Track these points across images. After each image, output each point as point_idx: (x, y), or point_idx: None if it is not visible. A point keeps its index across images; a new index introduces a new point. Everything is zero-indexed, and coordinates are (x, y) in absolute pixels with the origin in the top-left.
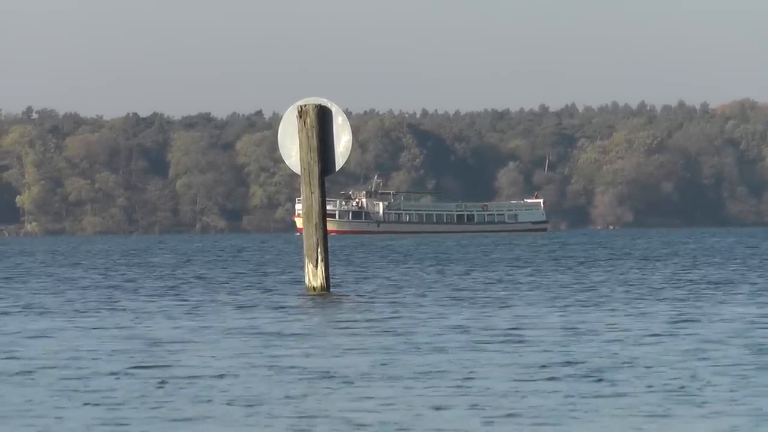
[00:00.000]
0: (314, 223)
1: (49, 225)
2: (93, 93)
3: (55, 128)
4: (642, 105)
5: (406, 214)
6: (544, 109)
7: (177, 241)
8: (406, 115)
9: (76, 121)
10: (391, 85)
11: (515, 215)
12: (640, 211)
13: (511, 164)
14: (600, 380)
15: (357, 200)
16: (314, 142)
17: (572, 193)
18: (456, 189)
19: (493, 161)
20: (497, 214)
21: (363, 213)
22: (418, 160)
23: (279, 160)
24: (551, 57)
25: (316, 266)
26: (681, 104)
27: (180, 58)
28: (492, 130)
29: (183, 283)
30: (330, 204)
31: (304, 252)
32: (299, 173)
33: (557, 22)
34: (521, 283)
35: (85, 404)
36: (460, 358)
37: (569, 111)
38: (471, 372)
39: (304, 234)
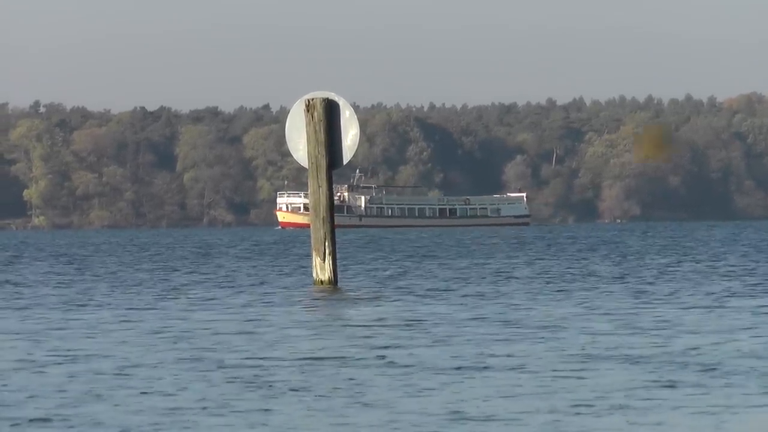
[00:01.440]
0: (322, 216)
1: (56, 219)
2: (100, 87)
3: (63, 122)
4: (649, 98)
5: (387, 208)
6: (551, 102)
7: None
8: (414, 109)
9: (84, 115)
10: (399, 79)
11: (498, 209)
12: (647, 205)
13: (519, 158)
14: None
15: (339, 194)
16: (322, 136)
17: (579, 186)
18: (463, 183)
19: (501, 155)
20: (480, 208)
21: (345, 207)
22: (425, 153)
23: (286, 154)
24: (558, 51)
25: (324, 260)
26: (688, 98)
27: (187, 52)
28: (499, 124)
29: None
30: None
31: (312, 245)
32: (307, 167)
33: (564, 15)
34: (517, 277)
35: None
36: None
37: (576, 104)
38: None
39: (311, 228)
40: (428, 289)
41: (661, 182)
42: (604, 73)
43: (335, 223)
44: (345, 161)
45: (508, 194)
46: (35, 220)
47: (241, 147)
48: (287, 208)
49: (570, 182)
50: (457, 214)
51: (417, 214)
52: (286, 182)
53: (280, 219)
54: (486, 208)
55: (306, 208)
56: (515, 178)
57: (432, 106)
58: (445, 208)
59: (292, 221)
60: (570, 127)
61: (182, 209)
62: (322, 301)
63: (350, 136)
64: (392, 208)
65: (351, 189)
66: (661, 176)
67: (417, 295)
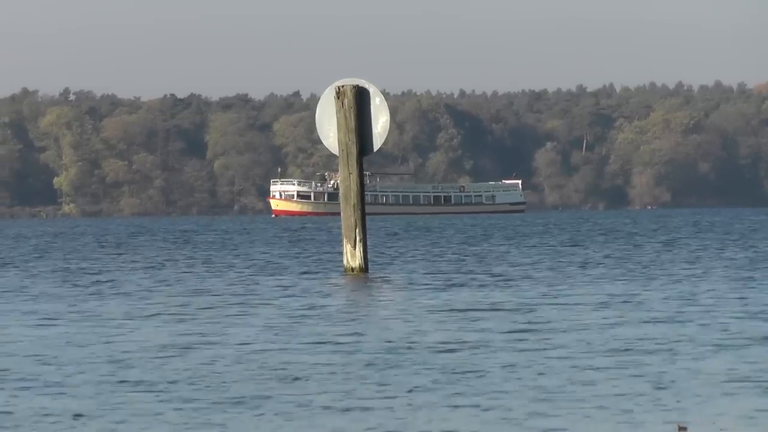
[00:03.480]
0: (352, 203)
1: (86, 207)
2: (130, 74)
3: (93, 110)
4: (679, 85)
5: (382, 195)
6: (581, 89)
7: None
8: (444, 96)
9: (113, 103)
10: (429, 66)
11: (493, 196)
12: (677, 191)
13: (549, 145)
14: None
15: (333, 181)
16: (352, 123)
17: (610, 173)
18: (493, 170)
19: (531, 142)
20: (474, 195)
21: (338, 194)
22: (455, 140)
23: (317, 141)
24: (588, 37)
25: (355, 247)
26: (718, 84)
27: (217, 40)
28: (529, 111)
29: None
30: (305, 186)
31: (342, 232)
32: (337, 154)
33: (594, 3)
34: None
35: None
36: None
37: (607, 91)
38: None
39: (342, 215)
40: (455, 275)
41: (691, 168)
42: (634, 59)
43: (330, 211)
44: (375, 148)
45: (504, 181)
46: (65, 208)
47: (271, 134)
48: (280, 195)
49: (600, 169)
50: (452, 201)
51: (412, 201)
52: (279, 169)
53: (273, 207)
54: (481, 195)
55: (299, 195)
56: (545, 165)
57: (462, 93)
58: (440, 196)
59: (285, 209)
60: (600, 113)
61: (212, 197)
62: (362, 289)
63: (380, 123)
64: (387, 196)
65: None
66: (691, 162)
67: (450, 282)
